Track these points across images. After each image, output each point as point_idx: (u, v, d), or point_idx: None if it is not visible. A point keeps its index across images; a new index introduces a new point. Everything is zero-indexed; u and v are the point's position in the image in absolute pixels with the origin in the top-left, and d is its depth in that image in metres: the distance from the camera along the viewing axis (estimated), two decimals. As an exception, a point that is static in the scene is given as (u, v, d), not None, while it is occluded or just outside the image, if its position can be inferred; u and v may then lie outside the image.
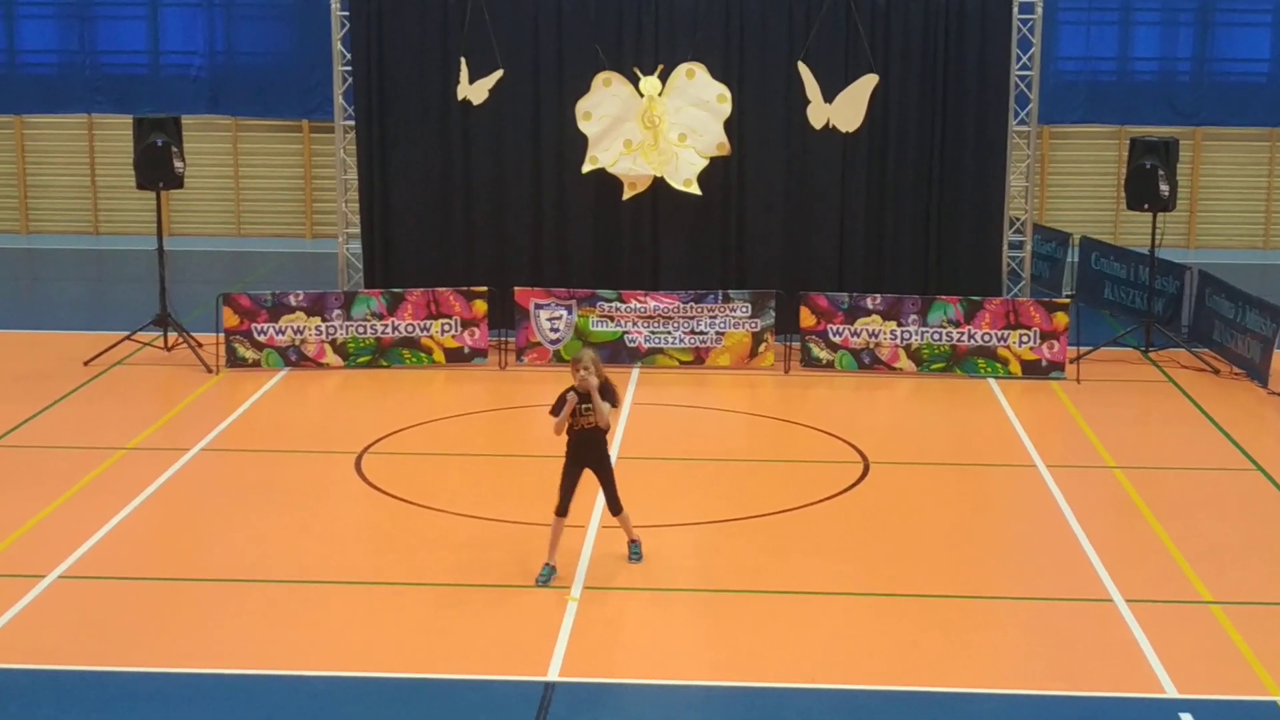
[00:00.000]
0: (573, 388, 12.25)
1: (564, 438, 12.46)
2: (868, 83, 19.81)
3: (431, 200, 20.66)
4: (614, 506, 12.61)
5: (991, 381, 18.87)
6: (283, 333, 19.25)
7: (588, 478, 12.51)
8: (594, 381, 12.21)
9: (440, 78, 20.36)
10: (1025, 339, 19.07)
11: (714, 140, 19.93)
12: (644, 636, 11.57)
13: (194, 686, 10.64)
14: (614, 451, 15.59)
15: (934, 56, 20.23)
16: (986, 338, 19.10)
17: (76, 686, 10.65)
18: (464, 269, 20.47)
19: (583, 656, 11.10)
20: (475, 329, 19.53)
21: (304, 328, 19.28)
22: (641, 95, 19.80)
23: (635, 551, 12.80)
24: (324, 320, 19.30)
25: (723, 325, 19.45)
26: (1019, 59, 20.44)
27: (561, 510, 12.39)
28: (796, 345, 19.50)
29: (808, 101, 19.80)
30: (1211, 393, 18.49)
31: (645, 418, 17.44)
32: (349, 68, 20.73)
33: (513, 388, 18.60)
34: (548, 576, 12.34)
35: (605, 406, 12.25)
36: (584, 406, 12.26)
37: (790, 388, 18.90)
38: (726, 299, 19.48)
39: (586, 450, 12.44)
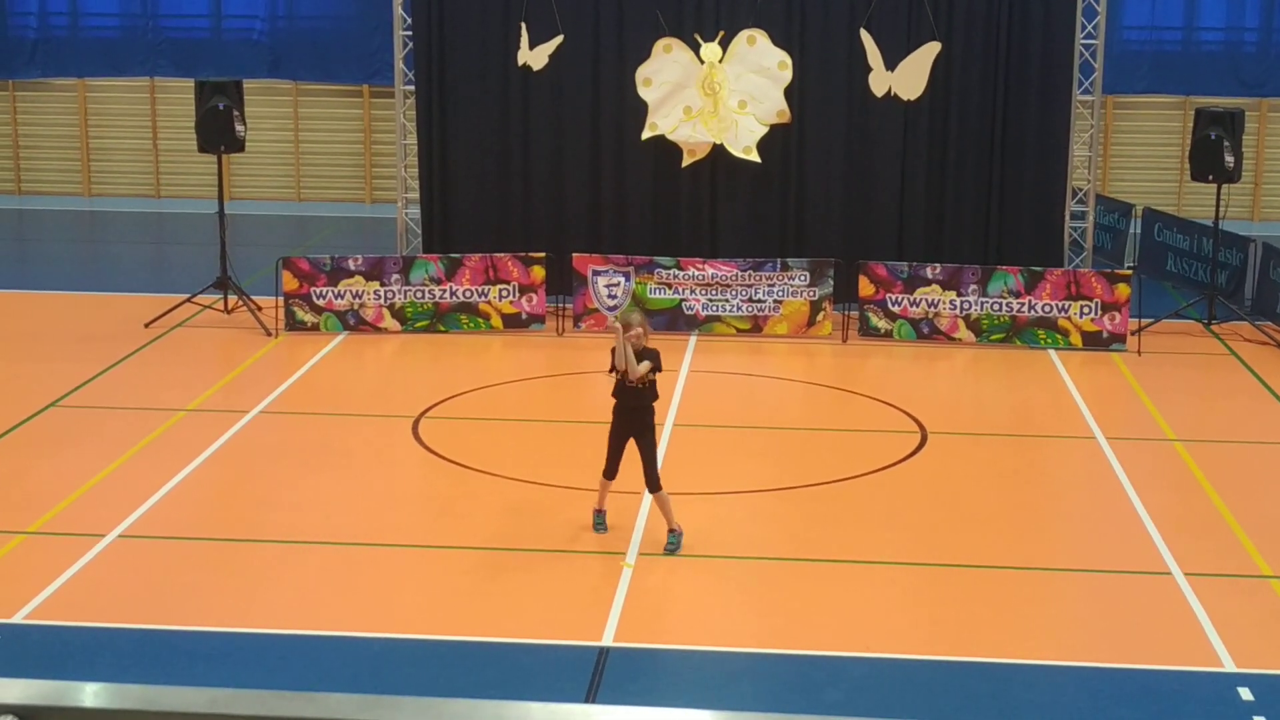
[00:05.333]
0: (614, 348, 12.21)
1: (614, 399, 12.36)
2: (930, 50, 19.67)
3: (491, 166, 20.66)
4: (651, 484, 12.24)
5: (1051, 353, 18.74)
6: (341, 297, 19.32)
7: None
8: (631, 338, 12.06)
9: (500, 43, 20.34)
10: (1086, 310, 18.92)
11: (774, 107, 19.85)
12: (698, 603, 11.58)
13: (250, 646, 10.72)
14: (670, 418, 15.61)
15: (997, 24, 20.05)
16: (1047, 309, 18.96)
17: (134, 645, 10.75)
18: (522, 235, 20.46)
19: (637, 622, 11.11)
20: (533, 295, 19.53)
21: (362, 292, 19.33)
22: (702, 62, 19.75)
23: (673, 541, 12.25)
24: (382, 285, 19.34)
25: (781, 293, 19.38)
26: (1083, 28, 20.23)
27: (609, 473, 12.41)
28: (855, 314, 19.39)
29: (869, 69, 19.69)
30: (1274, 366, 18.30)
31: (702, 385, 17.41)
32: (409, 33, 20.73)
33: (570, 354, 18.60)
34: (601, 521, 12.62)
35: (645, 366, 12.05)
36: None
37: (848, 357, 18.82)
38: (785, 267, 19.40)
39: (630, 417, 12.22)
